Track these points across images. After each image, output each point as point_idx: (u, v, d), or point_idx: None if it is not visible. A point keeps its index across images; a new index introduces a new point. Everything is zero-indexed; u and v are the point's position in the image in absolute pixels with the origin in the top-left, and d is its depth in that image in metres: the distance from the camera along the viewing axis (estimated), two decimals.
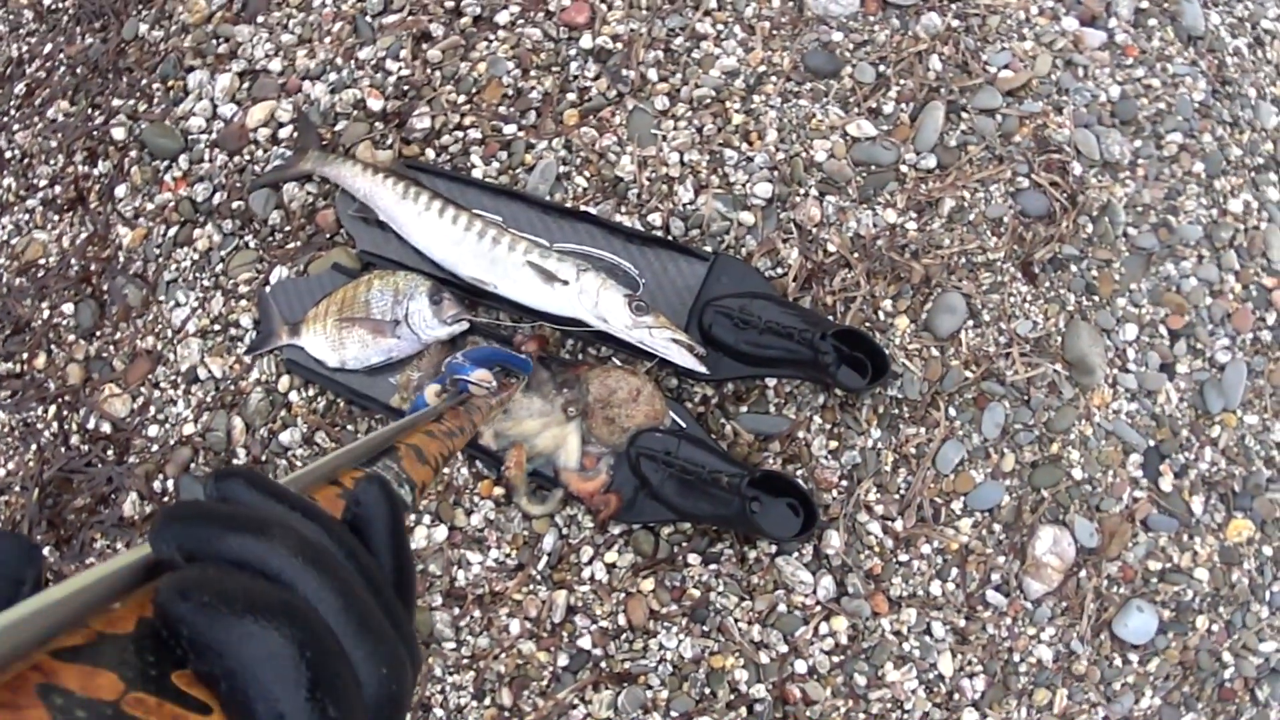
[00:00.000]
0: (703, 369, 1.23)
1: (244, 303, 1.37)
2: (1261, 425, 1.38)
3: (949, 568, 1.29)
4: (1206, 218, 1.41)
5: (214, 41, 1.48)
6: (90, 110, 1.49)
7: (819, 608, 1.27)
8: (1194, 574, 1.33)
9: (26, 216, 1.47)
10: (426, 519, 1.30)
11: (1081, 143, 1.40)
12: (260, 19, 1.48)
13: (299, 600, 0.28)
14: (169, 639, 0.26)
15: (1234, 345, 1.38)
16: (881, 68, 1.40)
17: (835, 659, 1.26)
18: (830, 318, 1.32)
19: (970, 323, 1.33)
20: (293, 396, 1.34)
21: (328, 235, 1.38)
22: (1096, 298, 1.36)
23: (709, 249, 1.32)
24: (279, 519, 0.31)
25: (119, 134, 1.46)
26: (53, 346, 1.41)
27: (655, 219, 1.35)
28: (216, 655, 0.26)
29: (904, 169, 1.37)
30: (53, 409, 1.38)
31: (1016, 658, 1.29)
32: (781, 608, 1.26)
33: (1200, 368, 1.37)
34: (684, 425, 1.26)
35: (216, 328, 1.38)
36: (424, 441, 0.57)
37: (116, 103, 1.48)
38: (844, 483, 1.29)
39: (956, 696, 1.28)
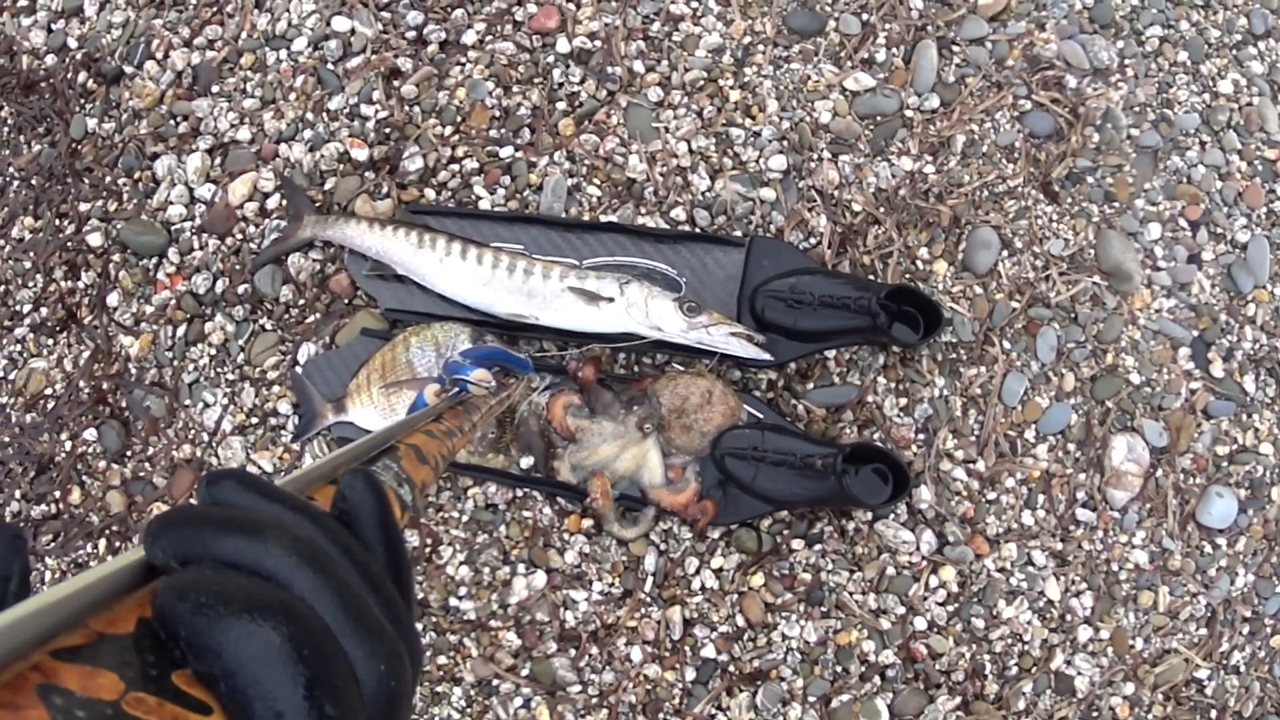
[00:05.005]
0: (767, 356, 1.21)
1: (277, 389, 1.31)
2: None
3: (1035, 495, 1.30)
4: (1201, 104, 1.43)
5: (172, 122, 1.39)
6: (58, 221, 1.39)
7: (925, 562, 1.27)
8: (1259, 450, 1.37)
9: (18, 347, 1.37)
10: (521, 568, 1.26)
11: (1070, 54, 1.40)
12: (215, 89, 1.40)
13: (295, 599, 0.28)
14: (167, 640, 0.26)
15: (1251, 222, 1.41)
16: (865, 16, 1.38)
17: (950, 608, 1.27)
18: (872, 276, 1.31)
19: (1005, 253, 1.34)
20: None
21: (346, 300, 1.32)
22: (1117, 204, 1.37)
23: (740, 234, 1.30)
24: (273, 519, 0.31)
25: (95, 240, 1.37)
26: (85, 478, 1.33)
27: (678, 213, 1.32)
28: (214, 655, 0.26)
29: (909, 114, 1.36)
30: (102, 543, 1.31)
31: (1115, 567, 1.32)
32: (890, 571, 1.27)
33: (1224, 251, 1.40)
34: (761, 416, 1.24)
35: (254, 420, 1.31)
36: (424, 441, 0.57)
37: (84, 207, 1.38)
38: (921, 436, 1.29)
39: (1069, 617, 1.30)
